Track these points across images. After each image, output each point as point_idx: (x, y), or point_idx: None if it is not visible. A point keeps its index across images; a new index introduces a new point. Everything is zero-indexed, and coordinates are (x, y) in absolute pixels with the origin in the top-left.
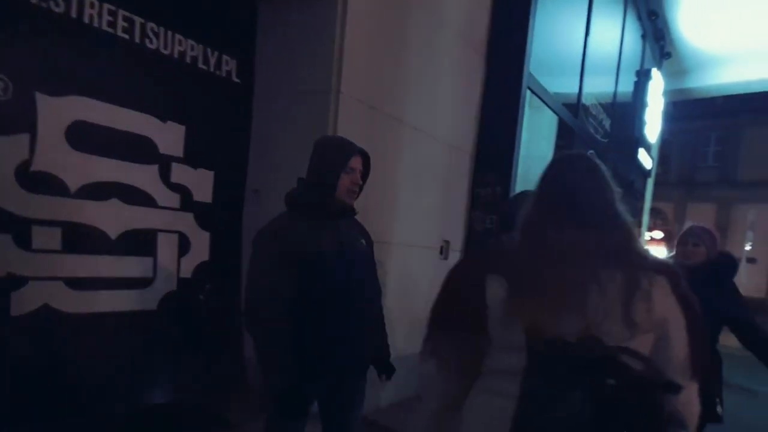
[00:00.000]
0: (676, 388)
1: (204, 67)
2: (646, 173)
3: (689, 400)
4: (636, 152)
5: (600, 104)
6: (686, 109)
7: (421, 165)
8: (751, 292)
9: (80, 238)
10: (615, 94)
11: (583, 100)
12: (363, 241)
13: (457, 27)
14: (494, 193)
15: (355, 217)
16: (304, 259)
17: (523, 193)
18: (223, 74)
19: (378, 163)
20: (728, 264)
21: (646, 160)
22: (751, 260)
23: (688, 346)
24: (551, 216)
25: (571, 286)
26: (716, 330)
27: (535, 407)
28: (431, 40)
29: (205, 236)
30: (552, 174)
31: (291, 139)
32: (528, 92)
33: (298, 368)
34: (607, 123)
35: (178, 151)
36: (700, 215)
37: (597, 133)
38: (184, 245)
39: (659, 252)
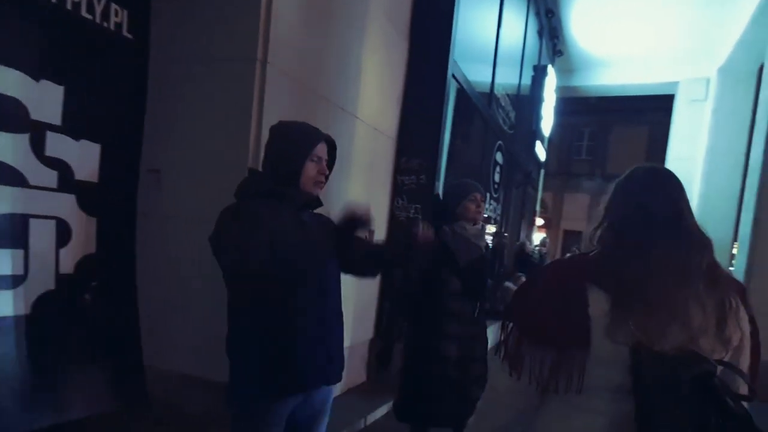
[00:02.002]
0: (752, 397)
1: (88, 17)
2: (540, 165)
3: None
4: (534, 144)
5: (507, 95)
6: (565, 105)
7: (348, 149)
8: None
9: None
10: (519, 86)
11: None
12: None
13: (381, 3)
14: (418, 181)
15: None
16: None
17: (460, 184)
18: (112, 27)
19: None
20: None
21: (541, 152)
22: None
23: (750, 356)
24: (656, 231)
25: (677, 302)
26: None
27: (660, 424)
28: (357, 14)
29: (90, 223)
30: (650, 186)
31: (202, 112)
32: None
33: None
34: (513, 115)
35: (54, 117)
36: (576, 205)
37: (505, 124)
38: (63, 234)
39: (539, 237)
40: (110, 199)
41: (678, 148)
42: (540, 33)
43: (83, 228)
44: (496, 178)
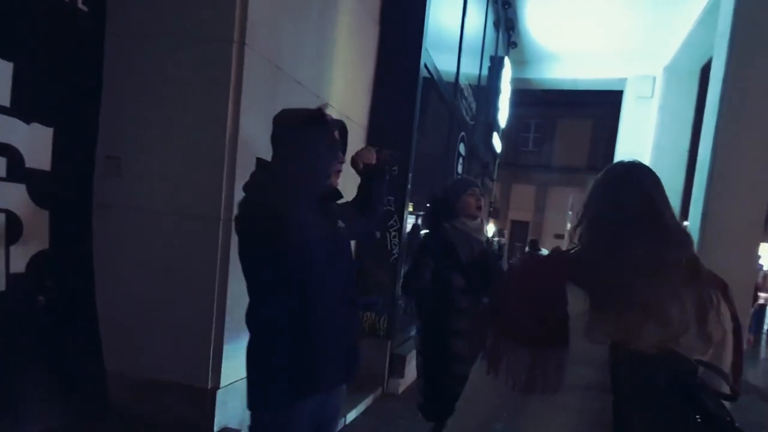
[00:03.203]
0: (735, 397)
1: None
2: (496, 156)
3: None
4: (491, 136)
5: (469, 86)
6: (513, 96)
7: None
8: None
9: None
10: (479, 77)
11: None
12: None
13: None
14: (390, 172)
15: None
16: (297, 243)
17: (458, 180)
18: None
19: None
20: None
21: (497, 143)
22: (559, 236)
23: (733, 354)
24: (631, 228)
25: (656, 300)
26: None
27: (637, 424)
28: None
29: (42, 216)
30: (625, 183)
31: (171, 95)
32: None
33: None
34: (474, 105)
35: (2, 97)
36: (523, 195)
37: (467, 114)
38: (13, 229)
39: (489, 228)
40: (64, 189)
41: (626, 144)
42: (496, 24)
43: (35, 222)
44: (459, 169)
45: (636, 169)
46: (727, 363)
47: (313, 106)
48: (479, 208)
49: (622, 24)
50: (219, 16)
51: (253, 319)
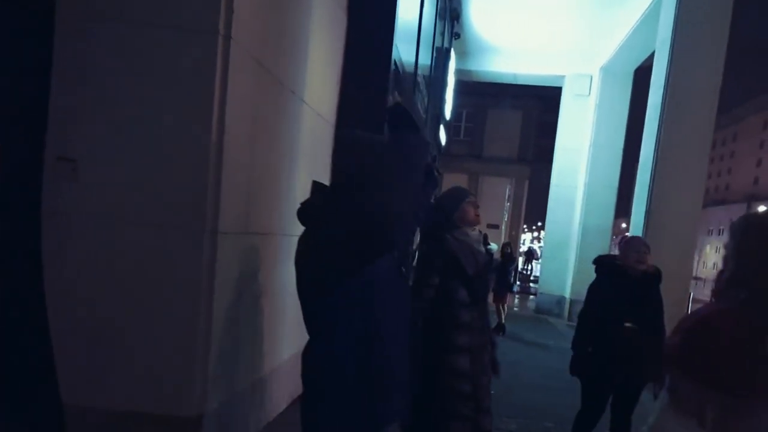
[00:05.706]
0: None
1: None
2: (441, 149)
3: None
4: (438, 129)
5: (423, 77)
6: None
7: (296, 138)
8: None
9: None
10: (431, 69)
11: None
12: None
13: None
14: None
15: None
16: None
17: (453, 189)
18: None
19: (265, 136)
20: (660, 272)
21: (443, 136)
22: (493, 226)
23: None
24: None
25: None
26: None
27: None
28: None
29: None
30: None
31: (142, 90)
32: None
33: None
34: (426, 98)
35: None
36: (455, 185)
37: (422, 107)
38: None
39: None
40: (10, 196)
41: (565, 140)
42: (442, 14)
43: None
44: None
45: None
46: None
47: (289, 103)
48: (478, 216)
49: (563, 23)
50: (203, 4)
51: (321, 357)
